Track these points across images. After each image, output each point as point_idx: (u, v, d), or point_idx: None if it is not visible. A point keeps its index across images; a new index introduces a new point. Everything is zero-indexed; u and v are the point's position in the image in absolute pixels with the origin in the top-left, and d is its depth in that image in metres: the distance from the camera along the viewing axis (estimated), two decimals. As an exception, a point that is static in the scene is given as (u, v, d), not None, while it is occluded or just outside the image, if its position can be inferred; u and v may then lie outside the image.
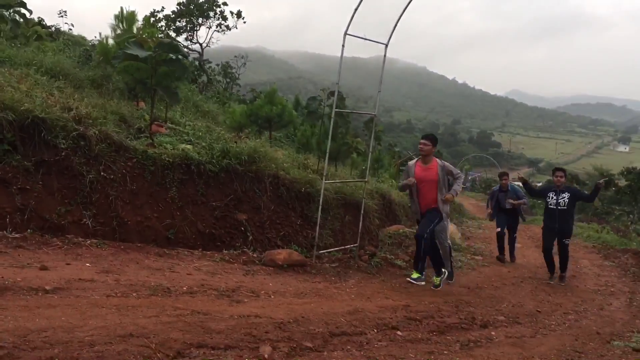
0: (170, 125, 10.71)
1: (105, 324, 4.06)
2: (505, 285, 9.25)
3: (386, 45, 8.73)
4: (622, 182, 32.97)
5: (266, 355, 4.00)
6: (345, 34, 8.07)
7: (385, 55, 8.77)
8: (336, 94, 9.02)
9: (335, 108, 8.93)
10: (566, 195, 9.43)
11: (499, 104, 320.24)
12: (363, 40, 8.52)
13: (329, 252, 8.93)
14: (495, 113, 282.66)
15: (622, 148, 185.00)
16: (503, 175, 12.54)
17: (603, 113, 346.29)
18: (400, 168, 22.82)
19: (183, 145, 8.77)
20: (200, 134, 10.33)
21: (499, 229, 12.23)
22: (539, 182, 73.61)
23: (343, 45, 8.16)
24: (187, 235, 7.95)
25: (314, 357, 4.20)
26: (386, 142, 55.64)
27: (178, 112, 12.64)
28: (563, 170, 9.95)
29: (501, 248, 12.29)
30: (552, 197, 9.53)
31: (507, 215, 12.29)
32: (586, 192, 10.14)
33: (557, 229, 9.48)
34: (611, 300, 8.88)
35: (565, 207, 9.39)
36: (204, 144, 9.25)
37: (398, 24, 8.65)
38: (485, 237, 17.49)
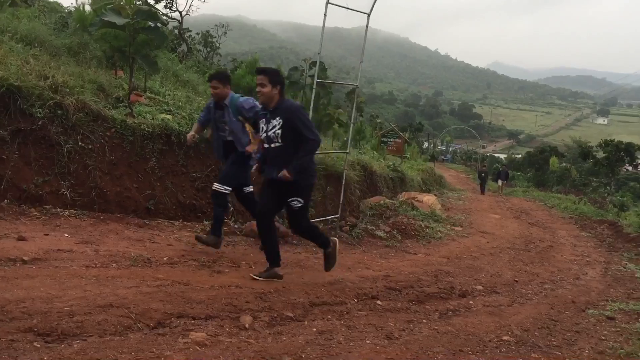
0: (149, 94, 10.54)
1: (85, 294, 4.04)
2: (483, 255, 9.39)
3: (368, 15, 8.64)
4: (600, 154, 33.41)
5: (247, 325, 4.02)
6: (327, 2, 7.97)
7: (367, 25, 8.68)
8: (318, 64, 8.93)
9: (317, 79, 8.86)
10: (277, 122, 5.27)
11: (480, 76, 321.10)
12: (346, 9, 8.42)
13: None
14: (477, 85, 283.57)
15: (600, 120, 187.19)
16: (212, 79, 6.27)
17: (583, 85, 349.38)
18: (382, 140, 22.88)
19: (163, 115, 8.65)
20: (180, 103, 10.18)
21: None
22: (519, 155, 74.35)
23: (325, 15, 8.06)
24: (167, 206, 7.90)
25: (295, 326, 4.23)
26: (368, 114, 55.72)
27: (157, 82, 12.42)
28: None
29: (217, 218, 6.26)
30: (263, 129, 5.45)
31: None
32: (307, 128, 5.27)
33: (277, 179, 5.27)
34: (587, 270, 9.07)
35: (280, 143, 5.27)
36: (184, 114, 9.14)
37: (381, -7, 8.54)
38: (465, 209, 17.70)
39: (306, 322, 4.38)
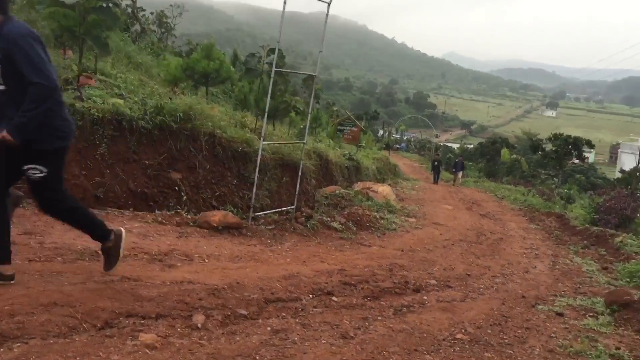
0: (100, 77, 10.16)
1: (27, 291, 3.83)
2: (437, 247, 9.48)
3: (329, 4, 8.51)
4: (549, 147, 34.32)
5: (199, 325, 3.89)
6: (287, -11, 7.80)
7: (327, 14, 8.56)
8: (277, 51, 8.77)
9: (276, 66, 8.70)
10: None
11: (435, 65, 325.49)
12: (305, -3, 8.26)
13: (266, 214, 8.82)
14: (432, 74, 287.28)
15: (549, 113, 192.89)
16: None
17: (534, 78, 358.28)
18: (338, 128, 22.83)
19: (114, 100, 8.34)
20: (133, 87, 9.87)
21: None
22: (471, 145, 75.73)
23: (285, 1, 7.89)
24: (117, 195, 7.64)
25: (249, 325, 4.13)
26: (325, 100, 55.70)
27: (109, 63, 12.01)
28: None
29: None
30: None
31: None
32: None
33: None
34: (536, 263, 9.27)
35: (3, 86, 3.77)
36: (136, 99, 8.84)
37: (341, -18, 8.42)
38: (418, 199, 17.89)
39: (260, 321, 4.28)
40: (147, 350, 3.30)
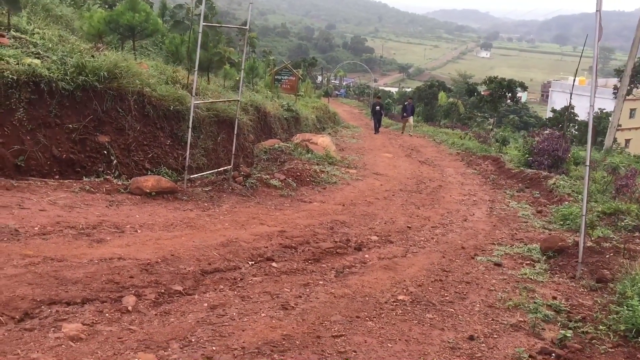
0: (14, 33, 9.38)
1: None
2: (378, 200, 9.45)
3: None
4: (483, 88, 34.76)
5: (130, 307, 3.68)
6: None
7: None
8: (203, 3, 8.29)
9: (205, 19, 8.25)
10: None
11: (372, 8, 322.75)
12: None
13: (202, 175, 8.53)
14: (369, 17, 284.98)
15: (484, 54, 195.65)
16: None
17: (468, 19, 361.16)
18: (275, 78, 22.34)
19: (29, 60, 7.71)
20: (51, 44, 9.15)
21: None
22: (409, 88, 76.21)
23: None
24: (40, 162, 7.17)
25: (184, 302, 3.95)
26: (261, 48, 54.42)
27: (24, 18, 11.11)
28: None
29: None
30: None
31: None
32: None
33: None
34: (474, 211, 9.39)
35: None
36: (54, 57, 8.21)
37: None
38: (358, 148, 17.84)
39: (197, 296, 4.11)
40: (71, 343, 3.08)
